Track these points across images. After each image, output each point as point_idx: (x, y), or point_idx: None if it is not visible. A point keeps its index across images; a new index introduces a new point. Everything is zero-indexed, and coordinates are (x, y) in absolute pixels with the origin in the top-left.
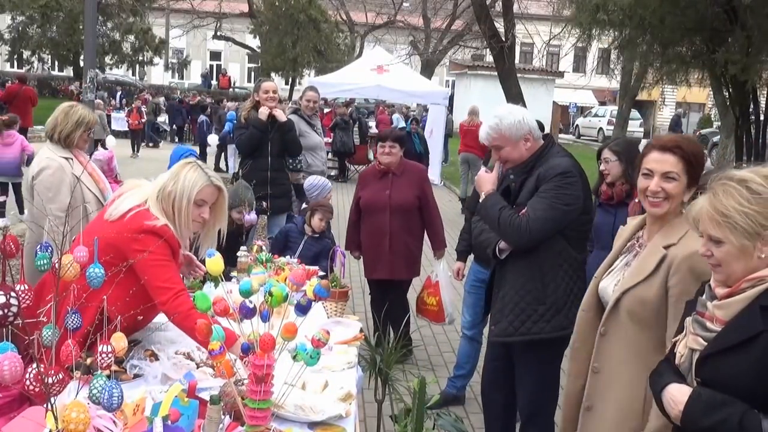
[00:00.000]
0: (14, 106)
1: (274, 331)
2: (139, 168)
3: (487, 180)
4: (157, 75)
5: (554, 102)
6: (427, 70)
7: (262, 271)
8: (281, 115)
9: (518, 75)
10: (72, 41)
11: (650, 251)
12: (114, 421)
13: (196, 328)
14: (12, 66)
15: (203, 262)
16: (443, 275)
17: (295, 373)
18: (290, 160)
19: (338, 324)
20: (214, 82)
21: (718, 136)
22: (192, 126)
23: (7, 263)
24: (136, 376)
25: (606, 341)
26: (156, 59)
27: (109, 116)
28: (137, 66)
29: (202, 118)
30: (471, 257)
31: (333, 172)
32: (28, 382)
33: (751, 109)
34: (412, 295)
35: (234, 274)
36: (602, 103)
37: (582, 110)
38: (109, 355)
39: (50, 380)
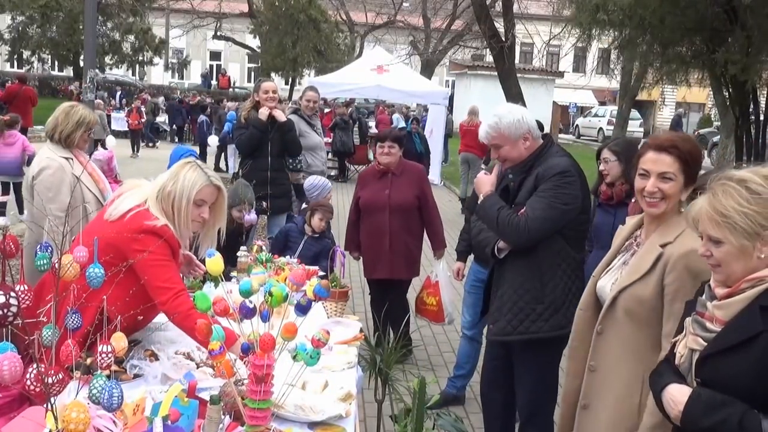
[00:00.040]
0: (14, 106)
1: (274, 331)
2: (138, 168)
3: (485, 182)
4: (157, 75)
5: (554, 102)
6: (427, 70)
7: (262, 271)
8: (281, 115)
9: (518, 75)
10: (72, 41)
11: (647, 250)
12: (114, 421)
13: (196, 328)
14: (12, 66)
15: (203, 261)
16: (443, 275)
17: (295, 373)
18: (290, 160)
19: (338, 324)
20: (214, 82)
21: (718, 136)
22: (192, 126)
23: (7, 263)
24: (136, 376)
25: (603, 340)
26: (156, 59)
27: (109, 116)
28: (137, 66)
29: (202, 118)
30: (471, 257)
31: (333, 172)
32: (28, 382)
33: (751, 109)
34: (411, 295)
35: (234, 274)
36: (602, 103)
37: (582, 110)
38: (109, 355)
39: (50, 380)
